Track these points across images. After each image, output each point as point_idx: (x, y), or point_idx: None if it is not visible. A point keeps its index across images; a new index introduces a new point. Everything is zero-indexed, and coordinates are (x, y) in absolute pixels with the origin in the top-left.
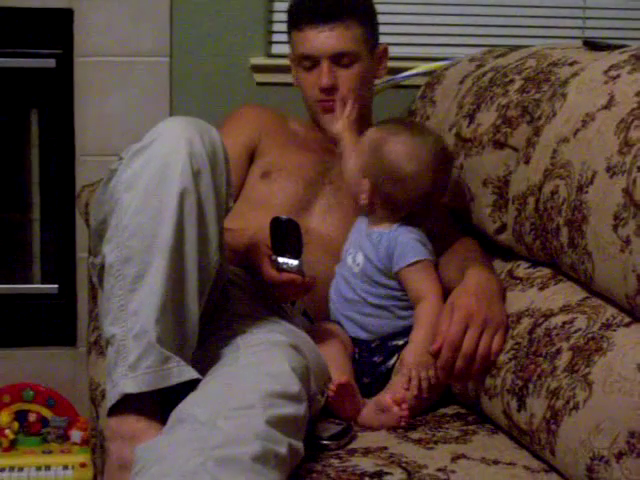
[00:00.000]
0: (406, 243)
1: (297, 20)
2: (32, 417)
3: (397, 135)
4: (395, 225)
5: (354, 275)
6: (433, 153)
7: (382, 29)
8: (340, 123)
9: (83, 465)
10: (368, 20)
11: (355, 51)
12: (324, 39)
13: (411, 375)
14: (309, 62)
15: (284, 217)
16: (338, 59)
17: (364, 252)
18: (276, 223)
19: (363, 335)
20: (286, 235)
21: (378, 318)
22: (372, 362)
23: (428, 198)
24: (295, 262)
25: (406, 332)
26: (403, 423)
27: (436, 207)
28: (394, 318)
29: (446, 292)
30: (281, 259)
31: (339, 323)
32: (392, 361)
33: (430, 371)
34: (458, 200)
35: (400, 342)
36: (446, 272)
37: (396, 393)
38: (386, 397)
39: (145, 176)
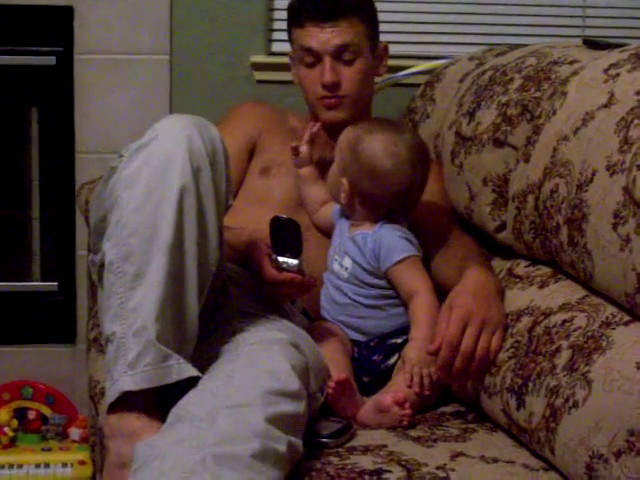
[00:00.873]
0: (391, 241)
1: (298, 17)
2: (31, 415)
3: (373, 132)
4: (377, 225)
5: (343, 280)
6: (409, 149)
7: (382, 27)
8: (304, 148)
9: (82, 463)
10: (369, 18)
11: (357, 45)
12: (327, 35)
13: (413, 372)
14: (311, 58)
15: (284, 216)
16: (340, 54)
17: (351, 256)
18: (276, 222)
19: (359, 337)
20: (286, 234)
21: (372, 319)
22: (371, 361)
23: (407, 194)
24: (295, 261)
25: (404, 330)
26: (405, 422)
27: (415, 203)
28: (388, 317)
29: (444, 291)
30: (281, 258)
31: None
32: (392, 360)
33: (432, 368)
34: (458, 199)
35: (399, 340)
36: (445, 271)
37: (397, 392)
38: (386, 397)
39: (145, 174)
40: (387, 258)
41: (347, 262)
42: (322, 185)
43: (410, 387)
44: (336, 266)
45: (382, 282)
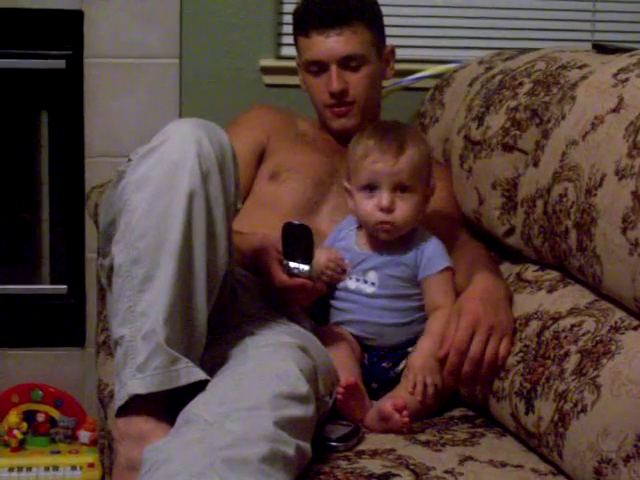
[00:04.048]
0: (434, 249)
1: (303, 26)
2: (40, 417)
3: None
4: (415, 232)
5: (368, 296)
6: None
7: (391, 31)
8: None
9: (91, 465)
10: (375, 22)
11: (363, 54)
12: (332, 44)
13: (416, 380)
14: (317, 67)
15: (297, 222)
16: (346, 63)
17: (379, 269)
18: (289, 228)
19: (372, 347)
20: (298, 240)
21: (391, 336)
22: (381, 367)
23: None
24: (306, 267)
25: (416, 339)
26: (405, 430)
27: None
28: (408, 332)
29: None
30: (292, 264)
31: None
32: (401, 366)
33: (436, 377)
34: (467, 203)
35: (410, 349)
36: (454, 277)
37: (397, 399)
38: (387, 405)
39: (154, 177)
40: (428, 266)
41: (372, 276)
42: None
43: (412, 394)
44: (352, 284)
45: (415, 291)
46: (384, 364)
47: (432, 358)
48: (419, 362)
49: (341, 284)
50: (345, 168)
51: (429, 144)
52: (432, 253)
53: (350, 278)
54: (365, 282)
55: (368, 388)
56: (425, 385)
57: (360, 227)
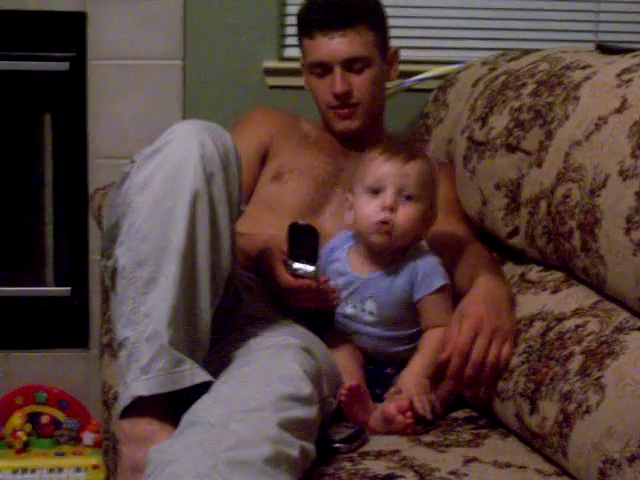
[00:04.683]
0: (430, 267)
1: (308, 27)
2: (45, 419)
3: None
4: (408, 252)
5: (368, 324)
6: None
7: (395, 32)
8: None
9: (95, 467)
10: (379, 24)
11: (367, 56)
12: (336, 45)
13: (416, 399)
14: (321, 69)
15: (303, 222)
16: (350, 65)
17: (375, 298)
18: (294, 228)
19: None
20: (304, 241)
21: (394, 356)
22: (384, 374)
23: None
24: (311, 268)
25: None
26: (409, 431)
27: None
28: (412, 351)
29: (455, 299)
30: (297, 264)
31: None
32: None
33: (431, 395)
34: (470, 203)
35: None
36: (455, 279)
37: (401, 401)
38: (390, 406)
39: (158, 179)
40: (423, 286)
41: (370, 305)
42: None
43: (404, 413)
44: (349, 309)
45: (416, 314)
46: (388, 370)
47: (423, 377)
48: (411, 381)
49: (338, 309)
50: (348, 173)
51: (438, 171)
52: (427, 272)
53: (347, 303)
54: (363, 311)
55: (372, 394)
56: (421, 404)
57: (353, 245)
